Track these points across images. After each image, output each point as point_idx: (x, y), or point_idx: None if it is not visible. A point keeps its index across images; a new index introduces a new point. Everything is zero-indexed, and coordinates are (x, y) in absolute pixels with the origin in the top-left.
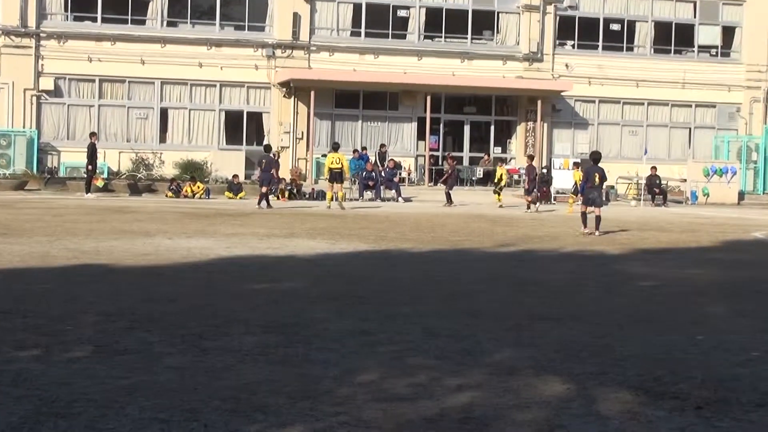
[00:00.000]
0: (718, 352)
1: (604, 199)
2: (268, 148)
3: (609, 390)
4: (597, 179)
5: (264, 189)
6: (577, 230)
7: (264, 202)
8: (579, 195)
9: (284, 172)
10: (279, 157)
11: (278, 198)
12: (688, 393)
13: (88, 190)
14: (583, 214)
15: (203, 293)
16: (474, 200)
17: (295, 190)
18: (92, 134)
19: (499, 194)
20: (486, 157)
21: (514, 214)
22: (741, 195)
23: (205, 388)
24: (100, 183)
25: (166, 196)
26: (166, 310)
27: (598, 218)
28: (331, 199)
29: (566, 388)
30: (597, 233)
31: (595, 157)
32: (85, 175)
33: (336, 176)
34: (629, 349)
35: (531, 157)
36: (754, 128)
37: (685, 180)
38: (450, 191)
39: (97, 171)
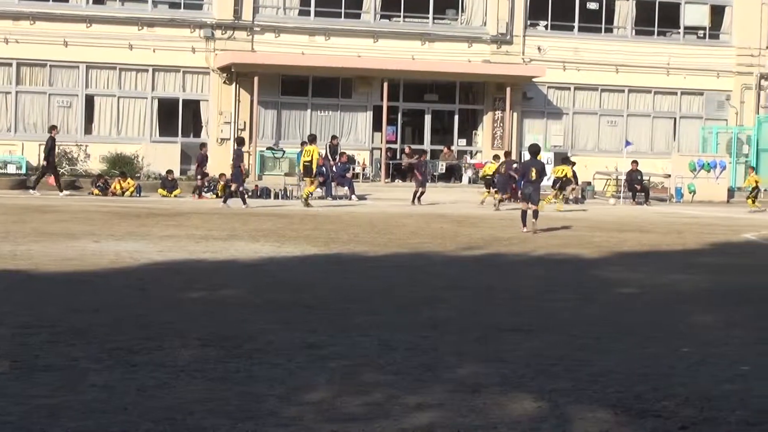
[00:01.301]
0: (705, 367)
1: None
2: (240, 140)
3: (585, 408)
4: (534, 174)
5: (234, 186)
6: (522, 230)
7: (229, 201)
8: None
9: (224, 168)
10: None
11: (217, 196)
12: (672, 411)
13: (35, 186)
14: (523, 213)
15: (134, 302)
16: (435, 198)
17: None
18: (52, 128)
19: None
20: (446, 149)
21: (479, 213)
22: (731, 192)
23: (136, 407)
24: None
25: (92, 193)
26: (92, 322)
27: (535, 213)
28: (307, 195)
29: (537, 406)
30: (534, 230)
31: (534, 150)
32: (38, 172)
33: (305, 170)
34: (607, 362)
35: (507, 154)
36: (745, 118)
37: (670, 175)
38: (423, 190)
39: (59, 169)
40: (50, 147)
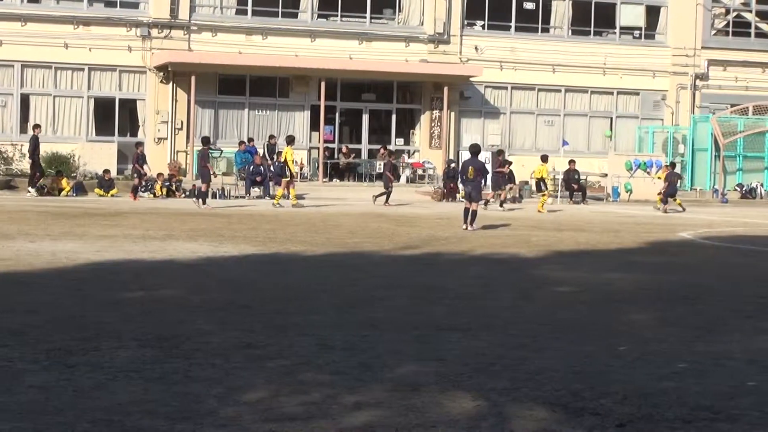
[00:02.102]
0: (642, 364)
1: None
2: (205, 140)
3: (523, 406)
4: (471, 172)
5: (203, 186)
6: (461, 227)
7: (202, 201)
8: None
9: (162, 167)
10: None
11: (154, 196)
12: (610, 409)
13: (34, 185)
14: (465, 210)
15: (70, 303)
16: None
17: (173, 187)
18: (36, 126)
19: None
20: (383, 150)
21: (417, 212)
22: None
23: (72, 409)
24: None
25: (28, 193)
26: (27, 322)
27: (473, 213)
28: (295, 198)
29: (476, 405)
30: (471, 228)
31: (474, 150)
32: (29, 171)
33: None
34: (545, 361)
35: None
36: (680, 118)
37: (606, 175)
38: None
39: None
40: (34, 146)
